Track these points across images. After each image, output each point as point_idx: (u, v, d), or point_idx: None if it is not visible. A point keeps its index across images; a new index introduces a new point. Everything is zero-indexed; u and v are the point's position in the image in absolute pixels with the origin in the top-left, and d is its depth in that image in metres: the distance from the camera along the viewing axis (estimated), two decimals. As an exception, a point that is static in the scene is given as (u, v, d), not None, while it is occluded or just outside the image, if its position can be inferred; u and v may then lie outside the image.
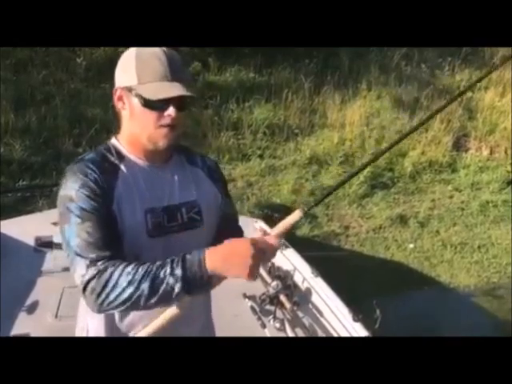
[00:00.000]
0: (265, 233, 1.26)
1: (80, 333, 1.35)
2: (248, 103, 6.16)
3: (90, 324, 1.31)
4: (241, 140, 5.86)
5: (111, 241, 1.15)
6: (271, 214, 4.84)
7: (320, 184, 5.56)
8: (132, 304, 1.10)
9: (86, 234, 1.13)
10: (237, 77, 6.51)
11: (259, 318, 2.30)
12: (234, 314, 2.25)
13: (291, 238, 3.26)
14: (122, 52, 1.26)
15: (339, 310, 2.28)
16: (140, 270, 1.09)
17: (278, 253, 2.72)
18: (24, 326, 2.31)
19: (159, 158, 1.29)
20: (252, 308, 2.37)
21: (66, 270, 1.24)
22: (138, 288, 1.08)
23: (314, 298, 2.49)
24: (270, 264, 2.57)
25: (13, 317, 2.37)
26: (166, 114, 1.18)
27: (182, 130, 1.27)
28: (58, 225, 1.19)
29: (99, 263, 1.11)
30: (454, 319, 3.86)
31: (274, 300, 2.35)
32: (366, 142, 6.11)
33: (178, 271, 1.08)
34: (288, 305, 2.33)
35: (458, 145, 6.54)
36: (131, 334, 1.25)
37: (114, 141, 1.30)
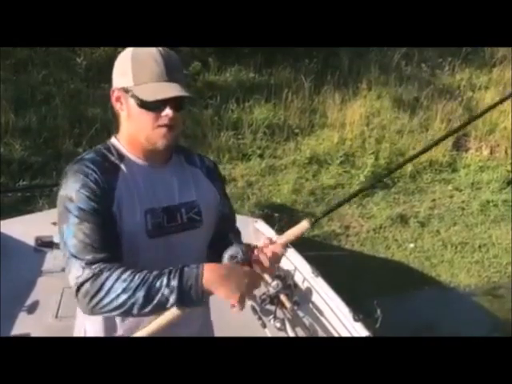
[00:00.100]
0: (271, 241, 1.25)
1: (78, 335, 1.35)
2: (248, 103, 6.16)
3: (87, 326, 1.31)
4: (241, 140, 5.86)
5: (108, 243, 1.15)
6: (271, 213, 4.84)
7: (320, 184, 5.57)
8: (125, 311, 1.10)
9: (83, 235, 1.13)
10: (237, 77, 6.51)
11: (259, 318, 2.29)
12: (234, 313, 2.25)
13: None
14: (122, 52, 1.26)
15: (340, 310, 2.27)
16: (136, 277, 1.08)
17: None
18: (24, 326, 2.31)
19: (159, 158, 1.29)
20: (252, 308, 2.36)
21: (67, 270, 1.24)
22: (132, 296, 1.08)
23: (315, 298, 2.48)
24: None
25: (13, 317, 2.37)
26: (163, 114, 1.18)
27: (180, 130, 1.27)
28: (57, 224, 1.19)
29: (94, 266, 1.11)
30: (455, 319, 3.86)
31: (274, 300, 2.34)
32: (366, 141, 6.11)
33: (175, 283, 1.08)
34: (288, 304, 2.32)
35: (458, 144, 6.54)
36: None
37: (113, 140, 1.30)
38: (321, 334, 2.33)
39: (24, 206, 4.38)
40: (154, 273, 1.10)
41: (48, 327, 2.30)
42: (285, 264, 2.69)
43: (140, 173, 1.26)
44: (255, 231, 3.13)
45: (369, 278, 4.07)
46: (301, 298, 2.48)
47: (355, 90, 6.68)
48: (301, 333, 2.30)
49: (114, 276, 1.09)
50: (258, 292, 2.45)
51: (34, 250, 2.81)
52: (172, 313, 1.15)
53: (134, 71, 1.18)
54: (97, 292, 1.09)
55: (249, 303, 2.40)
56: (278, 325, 2.29)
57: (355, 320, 2.13)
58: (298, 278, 2.60)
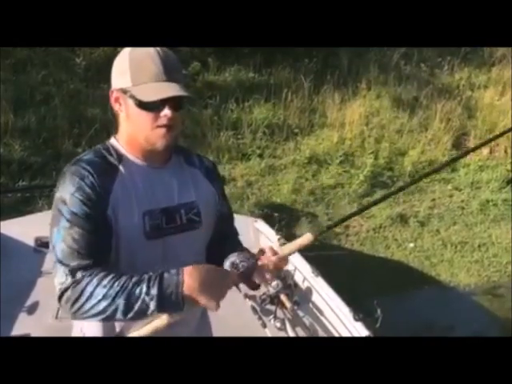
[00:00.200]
0: (273, 252, 1.25)
1: (76, 335, 1.35)
2: (247, 103, 6.16)
3: (85, 326, 1.31)
4: (240, 140, 5.86)
5: (97, 249, 1.14)
6: (271, 213, 4.84)
7: (320, 183, 5.57)
8: (107, 316, 1.10)
9: (71, 240, 1.13)
10: (236, 76, 6.51)
11: (260, 318, 2.29)
12: (234, 313, 2.25)
13: (291, 238, 3.26)
14: (121, 52, 1.26)
15: (340, 310, 2.27)
16: (116, 284, 1.08)
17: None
18: (24, 326, 2.31)
19: (158, 159, 1.28)
20: (252, 308, 2.37)
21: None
22: (112, 303, 1.08)
23: (315, 298, 2.48)
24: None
25: (13, 317, 2.37)
26: (162, 114, 1.18)
27: (179, 131, 1.26)
28: (50, 226, 1.18)
29: (77, 273, 1.11)
30: (455, 318, 3.86)
31: (274, 300, 2.34)
32: (366, 141, 6.11)
33: (154, 291, 1.07)
34: (288, 304, 2.32)
35: (458, 144, 6.54)
36: None
37: (113, 140, 1.30)
38: (321, 333, 2.34)
39: (24, 206, 4.38)
40: (134, 279, 1.09)
41: (48, 328, 2.30)
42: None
43: (139, 173, 1.25)
44: (255, 231, 3.13)
45: (369, 278, 4.07)
46: (301, 297, 2.48)
47: (354, 89, 6.68)
48: (301, 333, 2.30)
49: (95, 282, 1.09)
50: (258, 292, 2.46)
51: (34, 251, 2.81)
52: (162, 319, 1.14)
53: (133, 72, 1.17)
54: (77, 298, 1.09)
55: (249, 303, 2.40)
56: (279, 325, 2.30)
57: (355, 320, 2.13)
58: (298, 278, 2.60)
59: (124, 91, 1.19)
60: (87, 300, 1.09)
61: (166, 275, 1.09)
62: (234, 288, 1.22)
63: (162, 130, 1.19)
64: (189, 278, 1.08)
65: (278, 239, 2.84)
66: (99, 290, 1.08)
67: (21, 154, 4.91)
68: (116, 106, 1.24)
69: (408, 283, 4.33)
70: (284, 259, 1.26)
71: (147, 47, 1.20)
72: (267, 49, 6.37)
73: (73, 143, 5.15)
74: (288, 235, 3.65)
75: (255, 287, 1.30)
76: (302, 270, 2.60)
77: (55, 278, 1.13)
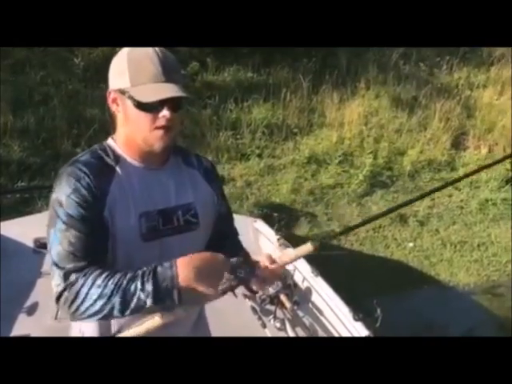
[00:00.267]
0: (271, 260, 1.25)
1: (74, 334, 1.35)
2: (246, 103, 6.16)
3: (83, 325, 1.31)
4: (239, 140, 5.86)
5: (93, 251, 1.14)
6: (270, 213, 4.84)
7: (319, 183, 5.56)
8: (105, 315, 1.10)
9: (67, 243, 1.13)
10: (235, 76, 6.51)
11: (259, 318, 2.29)
12: (234, 313, 2.25)
13: (291, 238, 3.26)
14: (120, 52, 1.25)
15: (339, 309, 2.27)
16: (110, 283, 1.08)
17: (279, 253, 2.71)
18: (24, 327, 2.31)
19: (156, 160, 1.27)
20: (252, 308, 2.37)
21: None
22: (108, 301, 1.08)
23: (314, 298, 2.48)
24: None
25: (12, 318, 2.36)
26: (160, 115, 1.17)
27: (178, 131, 1.25)
28: (47, 227, 1.19)
29: (72, 275, 1.11)
30: (454, 317, 3.86)
31: (274, 300, 2.34)
32: (365, 140, 6.11)
33: (149, 287, 1.07)
34: (288, 304, 2.33)
35: (457, 143, 6.54)
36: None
37: (110, 141, 1.29)
38: (321, 333, 2.34)
39: (23, 207, 4.37)
40: (128, 275, 1.09)
41: (47, 329, 2.29)
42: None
43: (136, 175, 1.24)
44: (254, 231, 3.13)
45: (368, 278, 4.07)
46: (300, 297, 2.49)
47: (353, 89, 6.68)
48: (301, 333, 2.30)
49: (89, 282, 1.09)
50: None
51: (33, 252, 2.80)
52: (156, 320, 1.14)
53: (131, 72, 1.17)
54: (74, 300, 1.10)
55: (249, 303, 2.40)
56: (278, 325, 2.30)
57: (355, 319, 2.13)
58: (297, 278, 2.60)
59: (122, 92, 1.18)
60: (83, 301, 1.09)
61: (159, 269, 1.09)
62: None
63: (161, 131, 1.19)
64: (183, 270, 1.08)
65: (278, 239, 2.84)
66: (94, 290, 1.08)
67: (20, 155, 4.91)
68: (113, 107, 1.24)
69: (407, 283, 4.33)
70: (281, 267, 1.25)
71: (146, 47, 1.19)
72: (266, 49, 6.37)
73: (72, 144, 5.14)
74: (287, 235, 3.65)
75: (252, 292, 1.30)
76: (301, 270, 2.60)
77: (52, 280, 1.14)
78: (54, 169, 4.74)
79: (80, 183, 1.15)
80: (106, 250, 1.18)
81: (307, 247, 1.23)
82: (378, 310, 1.98)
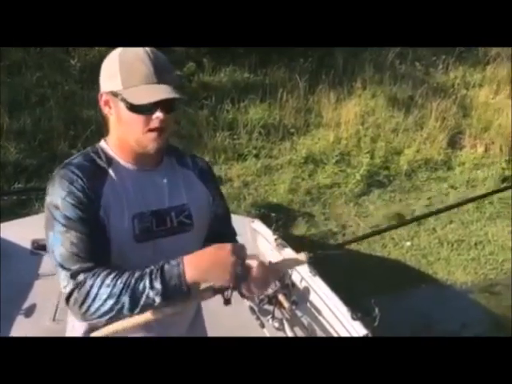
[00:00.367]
0: (264, 267, 1.23)
1: (69, 331, 1.35)
2: (243, 103, 6.16)
3: (76, 322, 1.30)
4: (236, 140, 5.86)
5: (95, 250, 1.15)
6: (268, 213, 4.84)
7: (316, 183, 5.57)
8: (115, 315, 1.11)
9: (69, 244, 1.13)
10: (232, 77, 6.51)
11: (258, 318, 2.29)
12: (232, 313, 2.25)
13: (288, 238, 3.26)
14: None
15: (338, 309, 2.28)
16: (119, 282, 1.09)
17: (276, 253, 2.72)
18: (21, 329, 2.30)
19: (149, 161, 1.27)
20: (250, 308, 2.37)
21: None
22: (118, 301, 1.09)
23: (313, 297, 2.49)
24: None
25: (10, 320, 2.36)
26: (153, 117, 1.17)
27: (171, 132, 1.25)
28: (44, 230, 1.19)
29: (79, 276, 1.11)
30: (452, 316, 3.87)
31: (272, 300, 2.34)
32: (362, 140, 6.12)
33: (158, 285, 1.08)
34: (286, 304, 2.32)
35: (453, 142, 6.56)
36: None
37: (102, 143, 1.29)
38: (319, 333, 2.34)
39: (20, 209, 4.36)
40: (136, 274, 1.10)
41: (46, 330, 2.29)
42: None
43: (129, 177, 1.24)
44: (252, 231, 3.13)
45: (366, 277, 4.07)
46: (299, 297, 2.49)
47: (350, 89, 6.69)
48: (299, 332, 2.30)
49: (98, 282, 1.10)
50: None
51: (31, 253, 2.80)
52: (146, 315, 1.14)
53: (123, 74, 1.16)
54: (84, 300, 1.10)
55: (247, 303, 2.40)
56: (277, 324, 2.30)
57: (353, 319, 2.13)
58: (295, 278, 2.59)
59: (114, 94, 1.18)
60: (93, 301, 1.10)
61: (166, 267, 1.10)
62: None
63: (154, 133, 1.18)
64: (189, 267, 1.09)
65: (275, 239, 2.84)
66: (103, 289, 1.09)
67: (16, 157, 4.89)
68: (106, 110, 1.23)
69: (405, 282, 4.33)
70: (274, 274, 1.26)
71: (138, 48, 1.19)
72: (262, 49, 6.37)
73: (68, 145, 5.13)
74: (285, 235, 3.65)
75: (242, 296, 1.29)
76: (299, 270, 2.60)
77: (59, 281, 1.14)
78: (50, 170, 4.67)
79: (74, 186, 1.16)
80: (107, 250, 1.18)
81: (300, 258, 1.25)
82: (376, 310, 1.99)
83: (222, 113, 6.01)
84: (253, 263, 1.26)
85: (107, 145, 1.28)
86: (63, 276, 1.13)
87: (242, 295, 1.27)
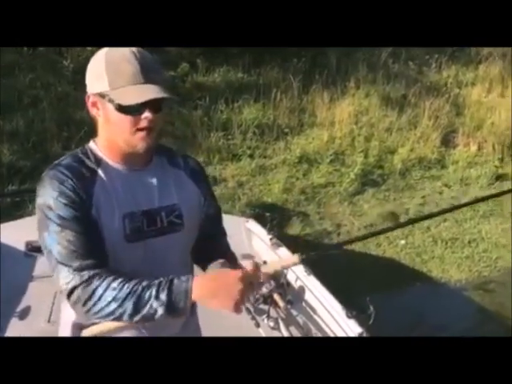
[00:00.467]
0: (256, 266, 1.24)
1: (63, 328, 1.35)
2: (237, 103, 6.16)
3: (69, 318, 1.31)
4: (231, 140, 5.86)
5: (92, 247, 1.15)
6: (263, 213, 4.84)
7: (311, 182, 5.58)
8: (116, 318, 1.12)
9: (66, 242, 1.13)
10: (225, 77, 6.51)
11: (253, 318, 2.29)
12: (227, 313, 2.25)
13: (283, 237, 3.27)
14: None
15: (333, 308, 2.29)
16: (125, 287, 1.09)
17: (271, 252, 2.72)
18: (16, 331, 2.29)
19: (138, 161, 1.27)
20: (245, 307, 2.37)
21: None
22: (121, 305, 1.09)
23: (308, 296, 2.49)
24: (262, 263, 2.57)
25: (5, 322, 2.35)
26: (142, 117, 1.17)
27: (160, 132, 1.25)
28: (38, 231, 1.19)
29: (83, 272, 1.11)
30: (446, 314, 3.89)
31: (267, 299, 2.34)
32: (356, 139, 6.14)
33: (163, 296, 1.08)
34: (282, 303, 2.33)
35: (447, 141, 6.59)
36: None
37: (91, 144, 1.29)
38: (314, 331, 2.34)
39: (14, 210, 4.34)
40: (144, 283, 1.10)
41: (40, 332, 2.28)
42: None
43: (118, 177, 1.24)
44: (247, 231, 3.13)
45: (361, 276, 4.08)
46: (294, 296, 2.49)
47: (343, 88, 6.71)
48: (295, 331, 2.31)
49: (104, 285, 1.10)
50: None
51: (25, 255, 2.78)
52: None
53: (109, 75, 1.16)
54: (87, 299, 1.11)
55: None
56: (272, 324, 2.29)
57: (348, 317, 2.14)
58: (290, 277, 2.60)
59: (102, 95, 1.18)
60: (97, 302, 1.10)
61: (176, 281, 1.10)
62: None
63: (143, 133, 1.18)
64: (197, 286, 1.09)
65: (270, 239, 2.85)
66: (109, 292, 1.09)
67: (9, 158, 4.87)
68: (93, 111, 1.23)
69: (400, 280, 4.35)
70: (266, 277, 1.26)
71: (126, 48, 1.18)
72: (256, 49, 6.38)
73: (62, 146, 5.11)
74: (280, 235, 3.66)
75: None
76: (294, 269, 2.60)
77: (58, 280, 1.14)
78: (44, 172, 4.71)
79: (64, 186, 1.16)
80: (103, 247, 1.18)
81: (293, 259, 1.24)
82: (371, 308, 1.99)
83: (216, 113, 6.01)
84: (246, 264, 1.27)
85: (96, 145, 1.28)
86: (65, 273, 1.12)
87: None
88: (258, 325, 2.25)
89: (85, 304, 1.11)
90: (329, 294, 2.38)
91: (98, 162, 1.24)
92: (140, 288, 1.09)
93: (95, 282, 1.11)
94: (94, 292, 1.10)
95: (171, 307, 1.08)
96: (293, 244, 3.03)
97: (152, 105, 1.16)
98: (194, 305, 1.45)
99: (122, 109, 1.15)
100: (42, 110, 5.35)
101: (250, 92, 6.31)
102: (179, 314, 1.11)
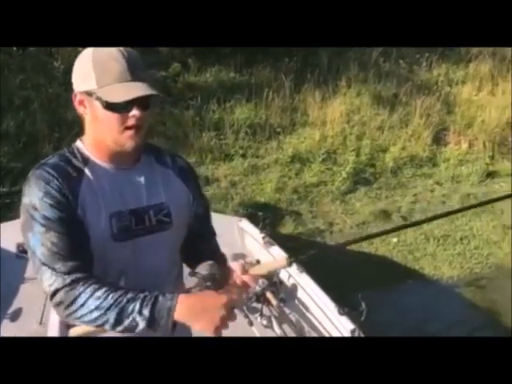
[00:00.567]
0: (244, 269, 1.25)
1: (51, 328, 1.35)
2: (229, 103, 6.16)
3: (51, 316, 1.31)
4: (223, 140, 5.86)
5: (77, 250, 1.14)
6: (255, 212, 4.85)
7: (303, 182, 5.60)
8: (98, 325, 1.11)
9: (50, 244, 1.12)
10: (217, 77, 6.51)
11: (246, 316, 2.30)
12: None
13: (276, 236, 3.28)
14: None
15: (325, 305, 2.30)
16: (110, 297, 1.09)
17: (264, 251, 2.72)
18: (8, 332, 2.28)
19: (126, 160, 1.26)
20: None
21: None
22: (104, 315, 1.09)
23: (300, 294, 2.51)
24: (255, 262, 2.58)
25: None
26: (130, 115, 1.16)
27: (148, 130, 1.24)
28: (22, 231, 1.18)
29: (66, 276, 1.11)
30: (439, 311, 3.92)
31: (260, 297, 2.36)
32: (347, 138, 6.17)
33: (146, 312, 1.07)
34: (274, 302, 2.34)
35: (438, 139, 6.64)
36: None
37: (78, 143, 1.28)
38: (307, 329, 2.36)
39: (5, 212, 4.30)
40: (129, 295, 1.09)
41: (32, 333, 2.27)
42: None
43: (105, 176, 1.24)
44: (240, 230, 3.14)
45: (353, 274, 4.10)
46: (287, 294, 2.50)
47: (335, 87, 6.73)
48: (287, 329, 2.32)
49: (88, 292, 1.10)
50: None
51: (16, 257, 2.77)
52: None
53: (97, 73, 1.15)
54: (70, 304, 1.10)
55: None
56: (265, 322, 2.31)
57: (340, 314, 2.16)
58: (283, 275, 2.61)
59: (89, 94, 1.17)
60: (79, 308, 1.10)
61: (160, 298, 1.09)
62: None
63: (131, 131, 1.18)
64: (181, 307, 1.08)
65: (263, 237, 2.86)
66: (92, 300, 1.09)
67: (0, 160, 4.84)
68: (80, 109, 1.22)
69: (392, 278, 4.38)
70: (253, 278, 1.26)
71: (127, 47, 1.19)
72: (247, 49, 6.38)
73: (53, 147, 5.08)
74: (273, 234, 3.66)
75: None
76: (286, 268, 2.61)
77: (43, 280, 1.13)
78: (35, 173, 4.68)
79: (50, 186, 1.15)
80: (88, 248, 1.18)
81: (281, 262, 1.24)
82: (363, 304, 2.01)
83: (208, 113, 6.01)
84: (234, 267, 1.27)
85: (83, 144, 1.27)
86: (48, 274, 1.12)
87: None
88: (251, 323, 2.25)
89: (67, 308, 1.11)
90: (321, 292, 2.39)
91: (85, 161, 1.24)
92: (124, 300, 1.08)
93: (79, 288, 1.10)
94: (77, 298, 1.10)
95: (153, 323, 1.08)
96: (286, 242, 3.04)
97: (140, 102, 1.16)
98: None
99: (109, 107, 1.15)
100: (33, 111, 5.32)
101: (242, 92, 6.31)
102: (160, 330, 1.09)
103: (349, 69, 6.92)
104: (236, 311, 2.38)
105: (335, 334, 2.24)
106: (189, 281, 1.29)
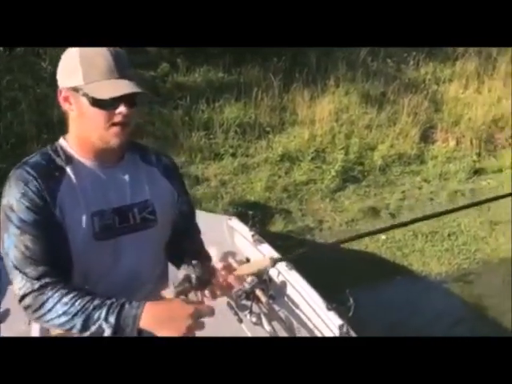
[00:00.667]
0: (229, 270, 1.25)
1: (34, 327, 1.35)
2: (218, 103, 6.17)
3: None
4: (212, 139, 5.87)
5: (50, 254, 1.14)
6: (245, 211, 4.87)
7: (293, 180, 5.62)
8: (66, 329, 1.12)
9: (23, 247, 1.13)
10: (206, 77, 6.51)
11: (236, 313, 2.32)
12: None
13: (266, 234, 3.30)
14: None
15: (313, 301, 2.32)
16: (77, 304, 1.09)
17: (254, 249, 2.73)
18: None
19: (110, 158, 1.26)
20: (228, 303, 2.39)
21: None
22: (71, 320, 1.10)
23: (290, 291, 2.53)
24: (245, 260, 2.60)
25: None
26: (117, 112, 1.16)
27: (133, 128, 1.24)
28: None
29: (35, 281, 1.12)
30: (427, 306, 3.97)
31: (249, 295, 2.37)
32: (336, 137, 6.20)
33: (112, 319, 1.08)
34: (264, 299, 2.36)
35: (425, 137, 6.70)
36: None
37: (61, 141, 1.27)
38: (296, 326, 2.38)
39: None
40: (96, 302, 1.10)
41: (21, 335, 2.27)
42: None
43: (88, 174, 1.23)
44: (229, 229, 3.15)
45: (343, 271, 4.14)
46: (276, 291, 2.52)
47: (323, 86, 6.76)
48: (277, 326, 2.34)
49: (56, 297, 1.10)
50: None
51: (1, 259, 2.76)
52: None
53: (84, 68, 1.15)
54: (38, 309, 1.11)
55: (225, 299, 2.42)
56: (254, 319, 2.33)
57: (328, 309, 2.18)
58: (272, 273, 2.63)
59: (75, 90, 1.16)
60: (47, 313, 1.11)
61: (126, 306, 1.09)
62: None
63: (117, 128, 1.18)
64: (147, 313, 1.08)
65: (252, 235, 2.88)
66: (59, 306, 1.10)
67: (-13, 161, 4.81)
68: (65, 106, 1.21)
69: (381, 274, 4.42)
70: (237, 279, 1.26)
71: (117, 47, 1.19)
72: (236, 49, 6.39)
73: (41, 148, 5.05)
74: (263, 232, 3.68)
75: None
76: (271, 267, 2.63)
77: (13, 283, 1.14)
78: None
79: (28, 187, 1.15)
80: (64, 251, 1.17)
81: (265, 262, 1.24)
82: (351, 300, 2.04)
83: (197, 113, 6.01)
84: (219, 265, 1.27)
85: (67, 142, 1.26)
86: (19, 278, 1.12)
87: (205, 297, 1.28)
88: (240, 320, 2.28)
89: (35, 312, 1.11)
90: (310, 288, 2.42)
91: (68, 159, 1.23)
92: (91, 307, 1.09)
93: (47, 293, 1.10)
94: (44, 302, 1.10)
95: (118, 330, 1.08)
96: (276, 241, 3.06)
97: (127, 99, 1.16)
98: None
99: (96, 103, 1.15)
100: (21, 112, 5.29)
101: (231, 91, 6.32)
102: (127, 336, 1.09)
103: (337, 68, 6.96)
104: (226, 308, 2.40)
105: (324, 329, 2.26)
106: (175, 279, 1.28)
